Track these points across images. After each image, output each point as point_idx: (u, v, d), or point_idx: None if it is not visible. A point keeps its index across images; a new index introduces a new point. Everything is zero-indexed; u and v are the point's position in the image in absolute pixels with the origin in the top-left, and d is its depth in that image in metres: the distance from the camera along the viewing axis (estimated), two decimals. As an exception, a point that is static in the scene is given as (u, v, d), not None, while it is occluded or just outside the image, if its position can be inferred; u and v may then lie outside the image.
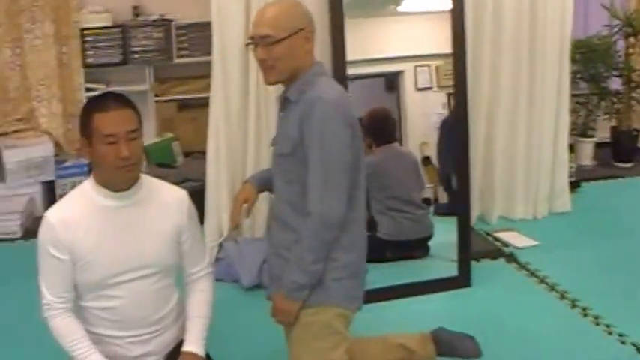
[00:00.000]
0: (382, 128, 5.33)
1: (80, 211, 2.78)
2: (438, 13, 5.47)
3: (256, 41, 2.87)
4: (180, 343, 2.99)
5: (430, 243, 5.39)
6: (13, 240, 6.06)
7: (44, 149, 6.58)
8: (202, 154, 5.52)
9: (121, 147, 2.68)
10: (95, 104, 2.74)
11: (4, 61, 6.72)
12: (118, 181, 2.77)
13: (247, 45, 2.96)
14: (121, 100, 2.75)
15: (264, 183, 3.20)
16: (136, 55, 6.70)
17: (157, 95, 6.79)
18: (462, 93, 4.88)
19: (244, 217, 3.22)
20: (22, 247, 5.96)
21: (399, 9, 5.91)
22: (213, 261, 5.17)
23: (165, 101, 6.87)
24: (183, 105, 6.92)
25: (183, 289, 3.09)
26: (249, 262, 5.09)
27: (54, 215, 2.79)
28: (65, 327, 2.80)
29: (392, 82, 5.92)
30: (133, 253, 2.81)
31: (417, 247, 5.42)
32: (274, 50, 2.84)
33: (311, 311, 2.95)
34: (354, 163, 2.86)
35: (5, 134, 6.71)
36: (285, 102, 2.96)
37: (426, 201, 5.63)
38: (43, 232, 2.78)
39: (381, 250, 5.03)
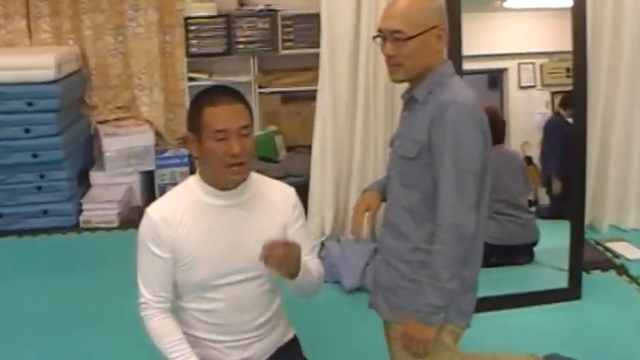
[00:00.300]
0: (491, 128, 4.96)
1: (184, 208, 2.78)
2: (545, 10, 5.14)
3: (385, 35, 2.81)
4: (278, 351, 3.01)
5: (535, 248, 5.39)
6: (109, 229, 6.42)
7: (145, 138, 6.93)
8: (306, 148, 5.86)
9: (232, 143, 2.65)
10: (205, 98, 2.74)
11: (106, 49, 7.15)
12: (226, 180, 2.75)
13: (374, 38, 2.88)
14: (233, 95, 2.75)
15: (385, 188, 3.14)
16: (241, 46, 6.92)
17: (260, 87, 6.99)
18: (581, 95, 4.75)
19: (367, 227, 2.96)
20: (119, 236, 6.27)
21: (505, 5, 5.65)
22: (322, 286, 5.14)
23: (270, 93, 7.03)
24: (287, 98, 7.08)
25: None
26: (352, 263, 5.12)
27: (156, 211, 2.79)
28: (162, 328, 2.80)
29: (495, 79, 5.98)
30: (237, 255, 2.78)
31: (522, 253, 5.42)
32: (405, 47, 2.76)
33: None
34: (482, 173, 2.79)
35: (105, 121, 7.14)
36: (410, 101, 2.92)
37: (528, 202, 5.67)
38: (144, 227, 2.79)
39: (486, 255, 4.75)
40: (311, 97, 5.60)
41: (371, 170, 5.51)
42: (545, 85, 10.94)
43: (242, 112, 2.70)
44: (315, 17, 5.58)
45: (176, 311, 2.86)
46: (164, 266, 2.75)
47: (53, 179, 6.38)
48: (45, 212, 6.37)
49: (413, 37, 2.72)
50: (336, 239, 5.47)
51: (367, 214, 3.06)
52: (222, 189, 2.77)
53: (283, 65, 7.04)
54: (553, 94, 8.10)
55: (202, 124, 2.67)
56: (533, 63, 11.13)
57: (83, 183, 6.79)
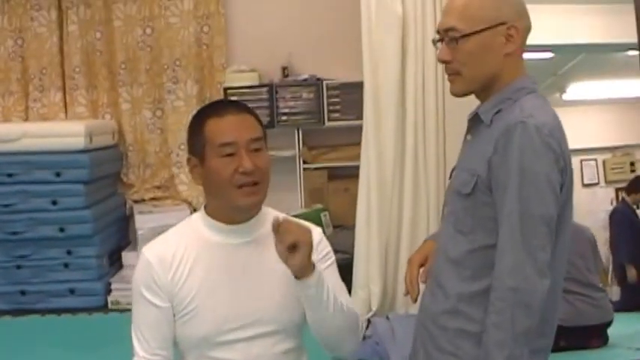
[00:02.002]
0: None
1: (184, 248, 2.35)
2: (603, 102, 4.81)
3: (442, 36, 2.32)
4: None
5: (609, 331, 5.00)
6: None
7: (180, 216, 6.09)
8: (354, 227, 5.48)
9: (241, 159, 2.25)
10: (207, 110, 2.40)
11: (143, 124, 6.92)
12: (238, 205, 2.31)
13: (434, 42, 2.39)
14: (239, 105, 2.42)
15: None
16: (284, 117, 6.59)
17: (305, 162, 6.61)
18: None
19: (423, 282, 2.52)
20: None
21: (565, 97, 5.40)
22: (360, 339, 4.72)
23: (315, 169, 6.63)
24: (334, 174, 6.68)
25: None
26: (400, 339, 4.74)
27: (151, 251, 2.39)
28: None
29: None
30: (249, 305, 2.33)
31: (595, 335, 4.99)
32: (460, 49, 2.25)
33: None
34: (558, 222, 2.19)
35: (142, 201, 6.83)
36: (475, 121, 2.36)
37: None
38: (138, 271, 2.38)
39: (554, 338, 4.33)
40: (358, 173, 5.39)
41: (422, 238, 5.09)
42: (608, 182, 10.73)
43: (252, 123, 2.31)
44: (363, 87, 5.40)
45: None
46: (161, 318, 2.31)
47: (81, 256, 6.08)
48: (72, 291, 6.04)
49: (468, 35, 2.22)
50: (385, 316, 5.12)
51: (422, 268, 2.51)
52: (231, 222, 2.33)
53: (329, 139, 6.72)
54: (617, 190, 7.80)
55: (205, 140, 2.28)
56: (595, 159, 10.99)
57: (115, 263, 6.44)
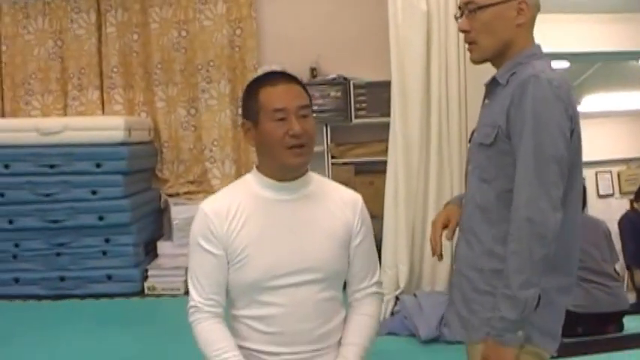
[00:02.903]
0: None
1: (239, 202, 2.56)
2: (619, 115, 4.94)
3: (462, 10, 2.57)
4: None
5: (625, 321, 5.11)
6: (175, 295, 6.21)
7: None
8: (379, 219, 5.47)
9: (292, 123, 2.47)
10: (261, 80, 2.59)
11: (178, 121, 7.15)
12: (287, 164, 2.52)
13: (456, 18, 2.63)
14: (290, 77, 2.59)
15: None
16: (313, 114, 6.22)
17: (333, 157, 6.84)
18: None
19: (448, 240, 2.69)
20: (184, 302, 5.73)
21: (579, 109, 5.60)
22: (388, 315, 5.21)
23: (342, 164, 6.84)
24: (361, 169, 6.88)
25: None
26: (427, 313, 4.93)
27: (209, 205, 2.59)
28: (211, 333, 2.56)
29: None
30: (296, 254, 2.53)
31: (611, 322, 5.08)
32: (476, 19, 2.50)
33: None
34: (570, 165, 2.39)
35: (177, 195, 7.01)
36: (492, 86, 2.58)
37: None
38: (196, 223, 2.59)
39: (572, 325, 4.55)
40: (384, 169, 5.51)
41: None
42: (623, 194, 10.82)
43: (300, 92, 2.54)
44: (387, 85, 5.55)
45: (229, 322, 2.61)
46: (216, 265, 2.53)
47: (119, 244, 6.29)
48: (109, 277, 6.24)
49: (484, 6, 2.46)
50: (412, 293, 5.26)
51: (446, 231, 2.68)
52: (282, 180, 2.55)
53: (355, 136, 6.93)
54: (632, 201, 7.92)
55: (259, 106, 2.50)
56: (610, 171, 11.08)
57: (150, 253, 6.65)
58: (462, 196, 2.74)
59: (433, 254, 2.69)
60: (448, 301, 2.74)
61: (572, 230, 2.46)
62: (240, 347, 2.53)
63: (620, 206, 10.46)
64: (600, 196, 10.53)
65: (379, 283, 2.76)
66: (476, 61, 2.59)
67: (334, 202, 2.64)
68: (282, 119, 2.45)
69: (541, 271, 2.29)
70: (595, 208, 7.87)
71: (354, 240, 2.63)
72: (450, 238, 2.67)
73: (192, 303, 2.56)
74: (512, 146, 2.37)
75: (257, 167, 2.62)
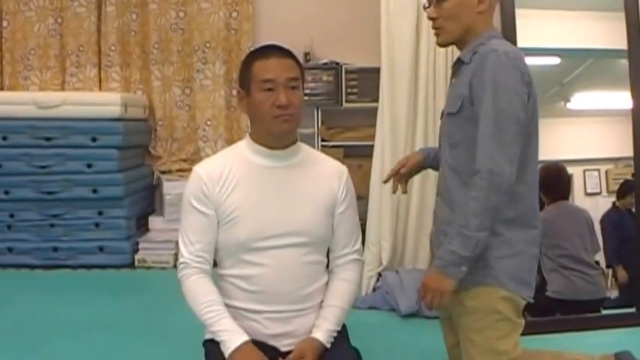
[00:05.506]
0: (555, 184, 5.34)
1: (230, 167, 2.72)
2: (608, 112, 5.15)
3: (430, 1, 2.91)
4: None
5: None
6: (164, 268, 6.37)
7: None
8: (367, 200, 5.63)
9: (279, 94, 2.63)
10: (256, 52, 2.74)
11: (173, 100, 7.25)
12: (275, 131, 2.69)
13: (424, 8, 2.97)
14: (283, 50, 2.72)
15: (433, 156, 3.17)
16: (305, 98, 6.34)
17: (323, 140, 6.92)
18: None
19: (402, 183, 3.23)
20: (173, 274, 5.91)
21: (569, 106, 5.69)
22: (370, 291, 5.35)
23: (332, 147, 6.90)
24: (349, 152, 6.95)
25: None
26: (408, 289, 5.05)
27: (202, 168, 2.76)
28: (198, 287, 2.71)
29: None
30: (283, 217, 2.70)
31: (589, 311, 5.09)
32: (442, 8, 2.84)
33: (472, 294, 2.76)
34: (528, 126, 2.69)
35: (169, 172, 7.14)
36: (457, 66, 2.91)
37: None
38: (189, 184, 2.76)
39: (552, 311, 4.93)
40: (372, 153, 5.61)
41: (430, 200, 5.38)
42: (610, 192, 10.82)
43: (291, 65, 2.68)
44: (378, 72, 5.64)
45: (216, 281, 2.75)
46: (206, 224, 2.68)
47: (111, 216, 6.39)
48: (101, 249, 6.34)
49: None
50: (394, 270, 5.39)
51: (403, 169, 3.13)
52: (272, 148, 2.71)
53: (345, 120, 7.01)
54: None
55: (251, 76, 2.65)
56: (598, 169, 11.07)
57: (141, 227, 6.77)
58: (427, 149, 3.27)
59: (385, 176, 3.25)
60: (429, 260, 3.01)
61: (534, 186, 2.81)
62: (226, 305, 2.67)
63: (607, 204, 10.47)
64: (587, 194, 10.55)
65: (360, 251, 2.94)
66: (441, 45, 2.94)
67: (321, 171, 2.82)
68: (270, 89, 2.61)
69: (493, 220, 2.59)
70: (583, 205, 7.91)
71: (339, 208, 2.81)
72: (405, 180, 3.19)
73: (181, 259, 2.72)
74: (475, 111, 2.66)
75: (249, 134, 2.79)
